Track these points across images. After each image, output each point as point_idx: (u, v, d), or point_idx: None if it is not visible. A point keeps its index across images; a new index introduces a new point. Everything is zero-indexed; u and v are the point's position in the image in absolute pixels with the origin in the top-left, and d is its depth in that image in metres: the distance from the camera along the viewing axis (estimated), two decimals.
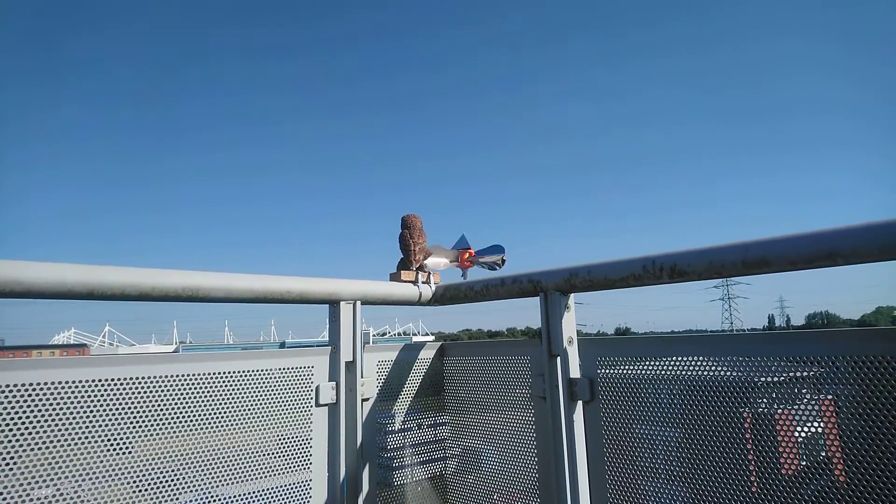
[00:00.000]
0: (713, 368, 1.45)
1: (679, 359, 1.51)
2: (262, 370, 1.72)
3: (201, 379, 1.60)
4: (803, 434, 1.33)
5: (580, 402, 1.73)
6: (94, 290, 1.45)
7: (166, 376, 1.54)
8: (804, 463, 1.33)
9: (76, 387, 1.39)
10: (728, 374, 1.43)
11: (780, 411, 1.37)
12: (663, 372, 1.55)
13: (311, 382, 1.83)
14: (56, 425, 1.34)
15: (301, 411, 1.79)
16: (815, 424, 1.31)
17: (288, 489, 1.72)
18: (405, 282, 2.19)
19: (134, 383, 1.48)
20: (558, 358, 1.76)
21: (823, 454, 1.30)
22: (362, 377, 1.94)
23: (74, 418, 1.37)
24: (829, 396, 1.30)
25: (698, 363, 1.48)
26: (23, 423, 1.30)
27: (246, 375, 1.69)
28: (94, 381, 1.41)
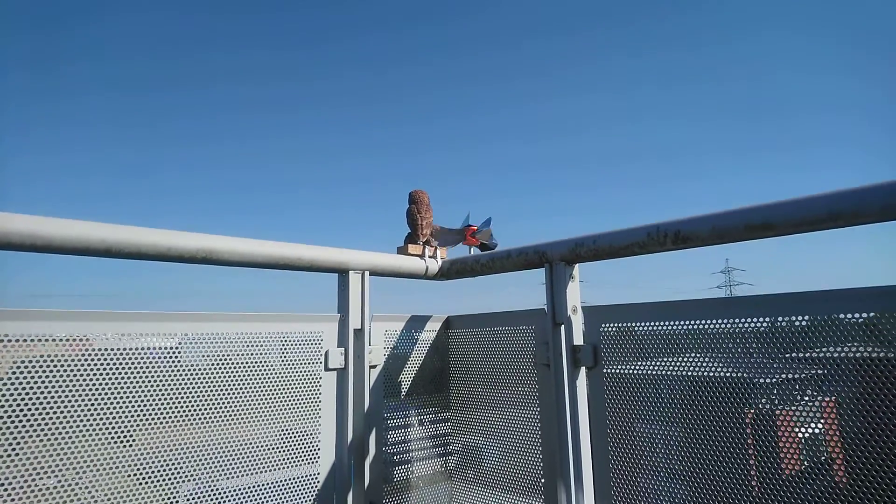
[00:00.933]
0: (716, 332, 1.48)
1: (683, 322, 1.54)
2: (273, 332, 1.77)
3: (213, 338, 1.64)
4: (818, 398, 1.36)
5: (583, 368, 1.76)
6: (111, 248, 1.49)
7: (178, 334, 1.58)
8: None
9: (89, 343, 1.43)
10: (731, 339, 1.46)
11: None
12: (666, 336, 1.58)
13: (321, 347, 1.87)
14: (68, 385, 1.38)
15: (311, 374, 1.83)
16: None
17: (298, 448, 1.76)
18: (412, 255, 2.23)
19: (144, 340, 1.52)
20: (562, 326, 1.79)
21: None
22: (370, 345, 1.98)
23: (89, 375, 1.42)
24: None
25: (702, 326, 1.51)
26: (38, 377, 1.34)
27: (257, 337, 1.73)
28: (105, 335, 1.46)
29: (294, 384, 1.79)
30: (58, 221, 1.41)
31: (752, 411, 1.41)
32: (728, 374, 1.44)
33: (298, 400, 1.79)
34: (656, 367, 1.59)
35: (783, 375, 1.39)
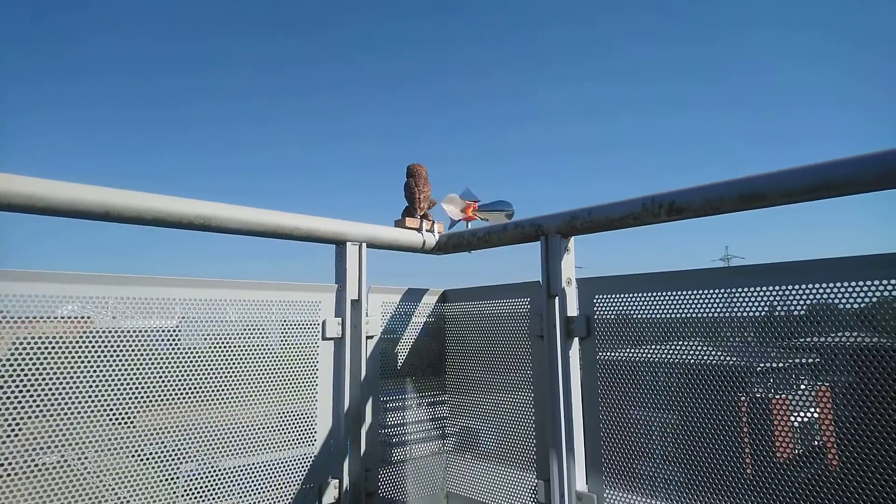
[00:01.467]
0: (708, 303, 1.50)
1: (674, 293, 1.56)
2: (271, 300, 1.79)
3: (212, 305, 1.66)
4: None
5: (576, 339, 1.78)
6: (110, 211, 1.51)
7: (177, 300, 1.60)
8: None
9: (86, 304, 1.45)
10: (724, 309, 1.48)
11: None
12: (659, 306, 1.59)
13: (318, 317, 1.89)
14: (70, 366, 1.41)
15: (308, 342, 1.86)
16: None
17: (295, 414, 1.79)
18: (410, 228, 2.24)
19: (145, 303, 1.54)
20: (556, 298, 1.81)
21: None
22: (367, 316, 2.00)
23: (90, 356, 1.44)
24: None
25: (694, 298, 1.52)
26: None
27: (256, 304, 1.75)
28: (97, 297, 1.48)
29: (291, 353, 1.81)
30: (57, 184, 1.42)
31: (745, 398, 1.43)
32: (724, 357, 1.46)
33: (296, 369, 1.82)
34: (651, 346, 1.61)
35: (779, 362, 1.41)
